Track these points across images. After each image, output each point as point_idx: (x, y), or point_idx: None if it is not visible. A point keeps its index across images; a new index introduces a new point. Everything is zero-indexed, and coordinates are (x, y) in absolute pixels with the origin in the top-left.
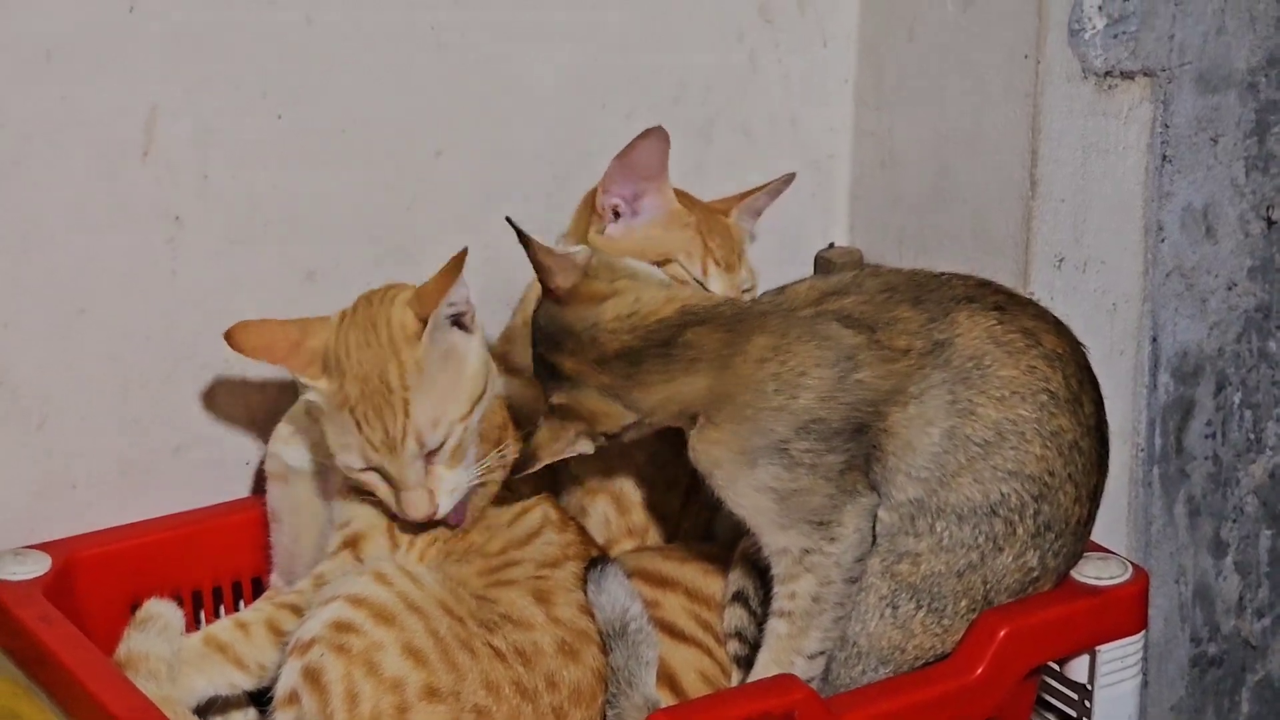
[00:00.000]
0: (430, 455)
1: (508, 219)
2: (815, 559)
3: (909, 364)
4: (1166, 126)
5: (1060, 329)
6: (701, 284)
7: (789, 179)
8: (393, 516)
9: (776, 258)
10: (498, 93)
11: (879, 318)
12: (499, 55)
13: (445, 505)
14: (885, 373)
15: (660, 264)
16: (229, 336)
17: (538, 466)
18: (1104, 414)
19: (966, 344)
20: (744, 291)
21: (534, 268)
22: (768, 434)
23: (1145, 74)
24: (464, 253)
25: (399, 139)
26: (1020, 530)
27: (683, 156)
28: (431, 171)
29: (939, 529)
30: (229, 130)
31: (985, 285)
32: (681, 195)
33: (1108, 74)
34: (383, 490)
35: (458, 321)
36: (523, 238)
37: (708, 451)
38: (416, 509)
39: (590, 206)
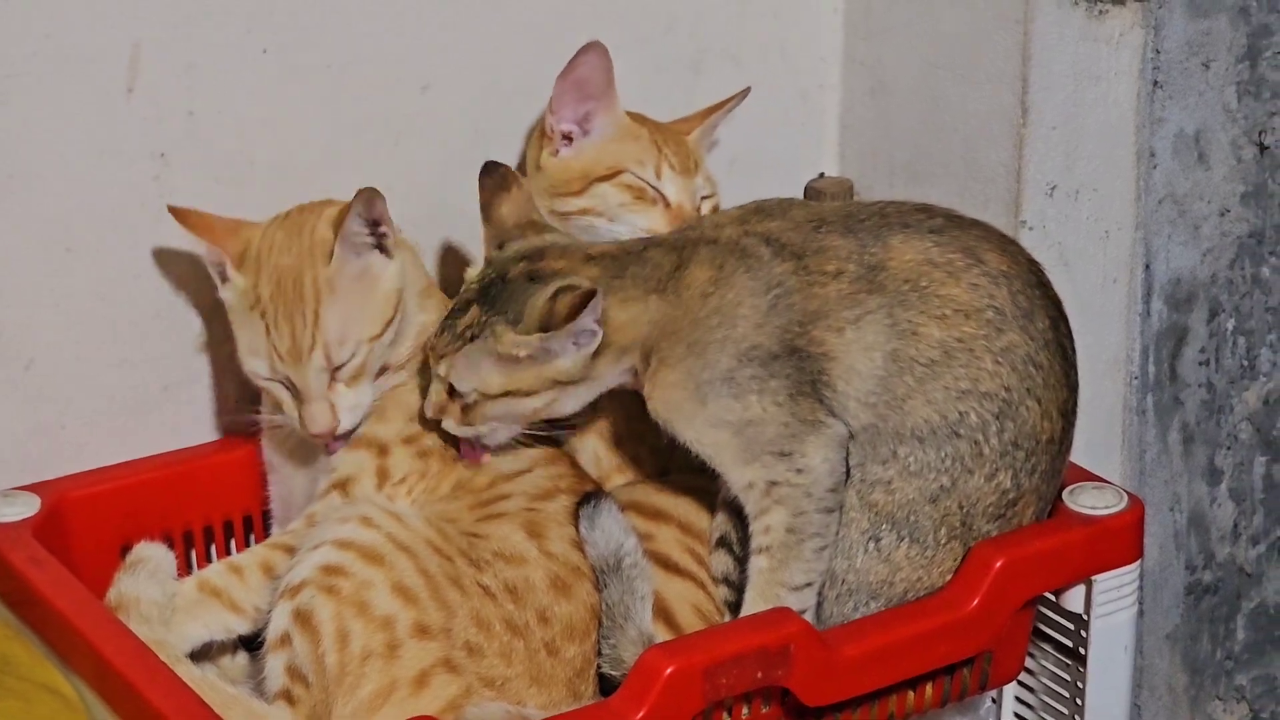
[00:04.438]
0: (335, 370)
1: (490, 164)
2: (784, 490)
3: (839, 287)
4: (1158, 52)
5: (1006, 247)
6: (656, 188)
7: (744, 94)
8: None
9: (767, 188)
10: (485, 26)
11: (806, 245)
12: None
13: (346, 421)
14: (810, 295)
15: (610, 176)
16: (173, 210)
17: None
18: (1065, 330)
19: (901, 267)
20: (704, 198)
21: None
22: (714, 366)
23: None
24: (373, 190)
25: (386, 73)
26: (987, 450)
27: (673, 89)
28: (419, 106)
29: (902, 454)
30: (214, 66)
31: (924, 210)
32: (635, 115)
33: None
34: (286, 402)
35: (380, 244)
36: (483, 187)
37: (665, 396)
38: (317, 423)
39: (542, 131)
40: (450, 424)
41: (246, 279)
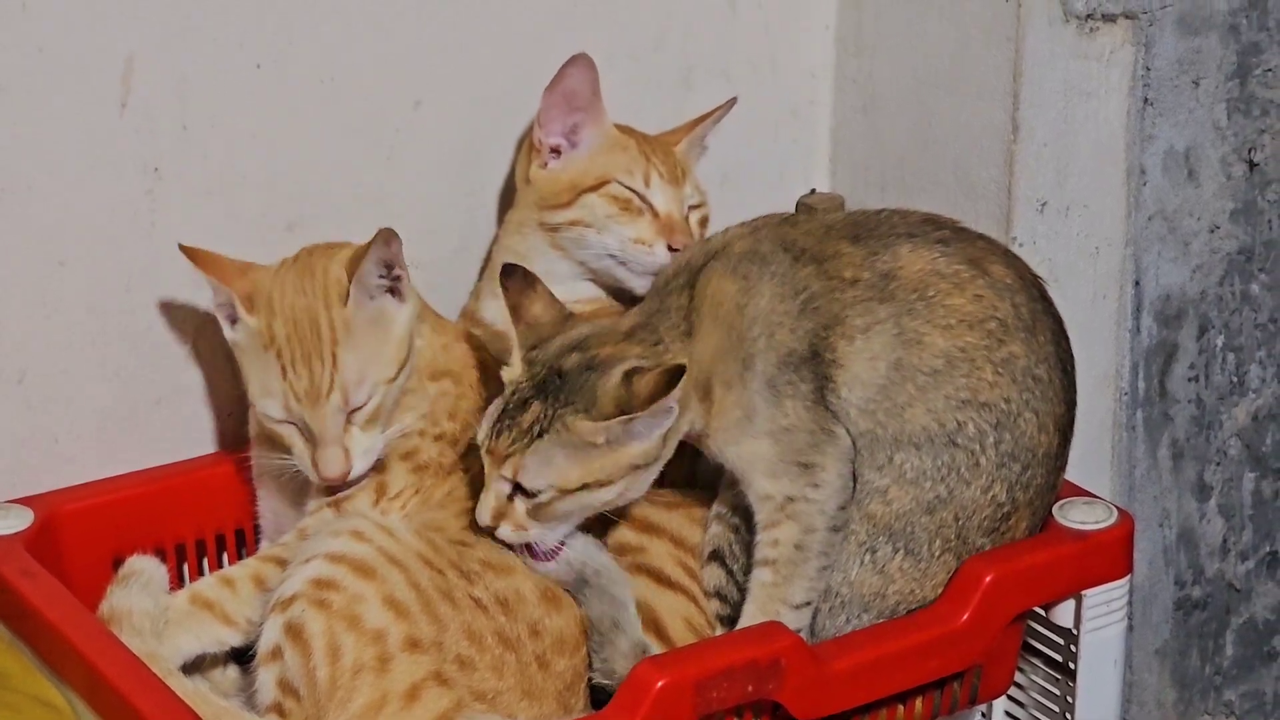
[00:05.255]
0: (350, 414)
1: (509, 265)
2: (799, 506)
3: (855, 294)
4: (1148, 69)
5: (1010, 260)
6: (644, 197)
7: (730, 104)
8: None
9: (758, 204)
10: (477, 42)
11: (823, 250)
12: (477, 4)
13: (359, 466)
14: (832, 299)
15: (598, 187)
16: (184, 249)
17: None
18: (1066, 347)
19: (910, 276)
20: (692, 208)
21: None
22: (762, 374)
23: (1126, 16)
24: (391, 231)
25: (378, 89)
26: (983, 461)
27: (663, 104)
28: (411, 121)
29: (898, 460)
30: (207, 80)
31: (929, 221)
32: (622, 127)
33: (1089, 16)
34: (298, 446)
35: (392, 289)
36: (508, 290)
37: (727, 421)
38: (331, 467)
39: (530, 144)
40: (507, 530)
41: (259, 320)
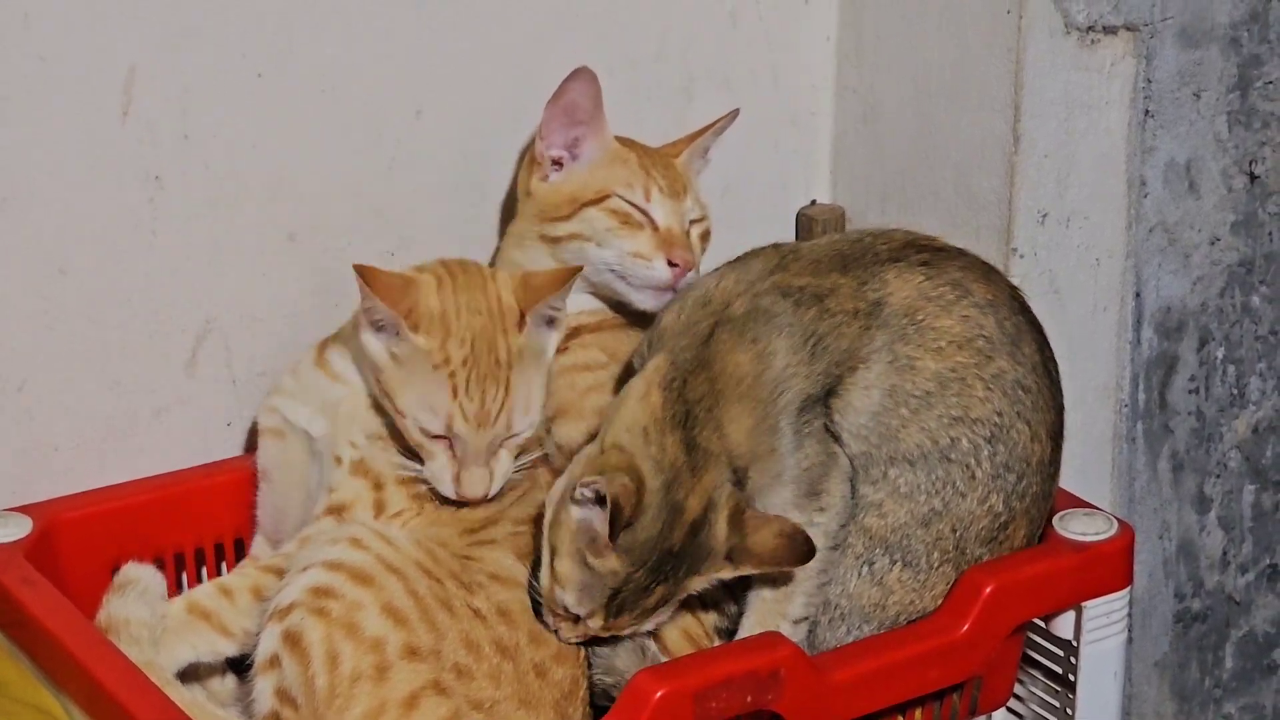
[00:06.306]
0: (506, 439)
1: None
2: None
3: (859, 325)
4: (1149, 81)
5: (990, 276)
6: (644, 211)
7: (733, 115)
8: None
9: (759, 216)
10: (478, 52)
11: (820, 286)
12: (478, 13)
13: (498, 488)
14: (839, 335)
15: (598, 201)
16: (362, 271)
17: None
18: (1049, 354)
19: (899, 302)
20: (693, 222)
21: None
22: (786, 430)
23: (1128, 28)
24: (579, 269)
25: (379, 98)
26: (979, 473)
27: (664, 115)
28: (412, 131)
29: (892, 475)
30: (209, 90)
31: (909, 244)
32: (624, 139)
33: (1090, 28)
34: (440, 461)
35: (550, 321)
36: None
37: (773, 497)
38: (475, 487)
39: (532, 156)
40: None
41: (431, 340)
